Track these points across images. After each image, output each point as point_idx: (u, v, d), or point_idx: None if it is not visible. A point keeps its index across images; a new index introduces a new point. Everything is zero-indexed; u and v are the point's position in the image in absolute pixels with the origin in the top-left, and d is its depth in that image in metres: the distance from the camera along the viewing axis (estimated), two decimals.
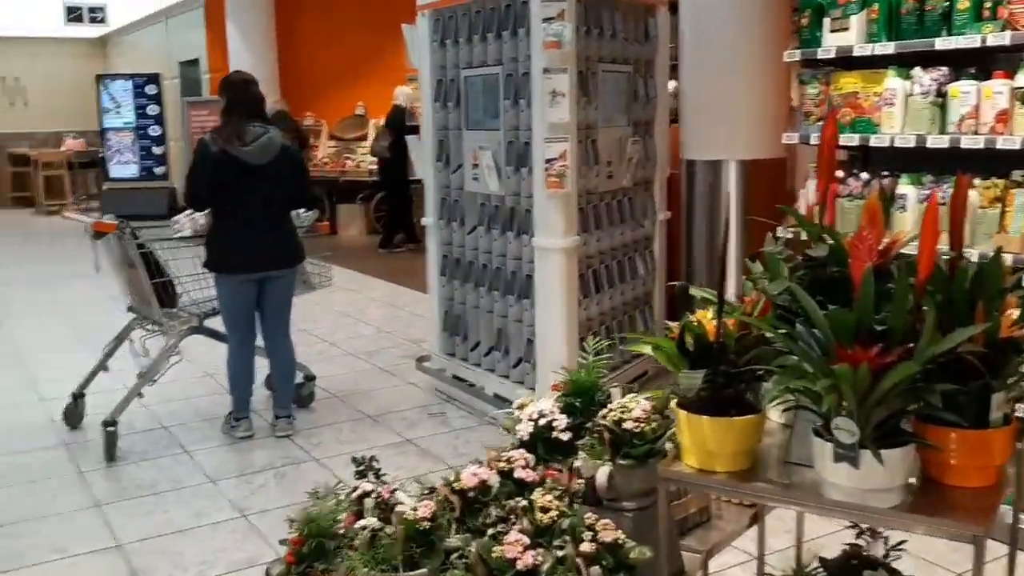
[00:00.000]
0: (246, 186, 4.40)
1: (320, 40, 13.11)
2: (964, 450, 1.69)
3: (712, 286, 2.02)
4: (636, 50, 4.93)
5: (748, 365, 1.79)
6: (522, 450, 2.26)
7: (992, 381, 1.68)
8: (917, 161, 3.73)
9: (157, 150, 15.08)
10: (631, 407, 2.42)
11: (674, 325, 1.90)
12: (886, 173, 3.80)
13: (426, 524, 2.06)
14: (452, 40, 4.86)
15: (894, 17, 3.64)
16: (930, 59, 3.56)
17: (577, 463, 2.14)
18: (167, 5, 15.33)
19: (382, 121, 11.28)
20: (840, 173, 3.96)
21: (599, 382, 2.45)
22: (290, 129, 11.28)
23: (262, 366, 4.84)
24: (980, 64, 3.49)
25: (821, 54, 3.88)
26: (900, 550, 2.23)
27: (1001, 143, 3.29)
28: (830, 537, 2.62)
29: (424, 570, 2.04)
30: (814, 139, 3.92)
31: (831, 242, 1.92)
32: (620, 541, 1.90)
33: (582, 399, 2.41)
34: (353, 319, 7.43)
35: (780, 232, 4.15)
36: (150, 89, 15.18)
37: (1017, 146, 3.26)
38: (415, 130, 11.15)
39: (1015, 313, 1.73)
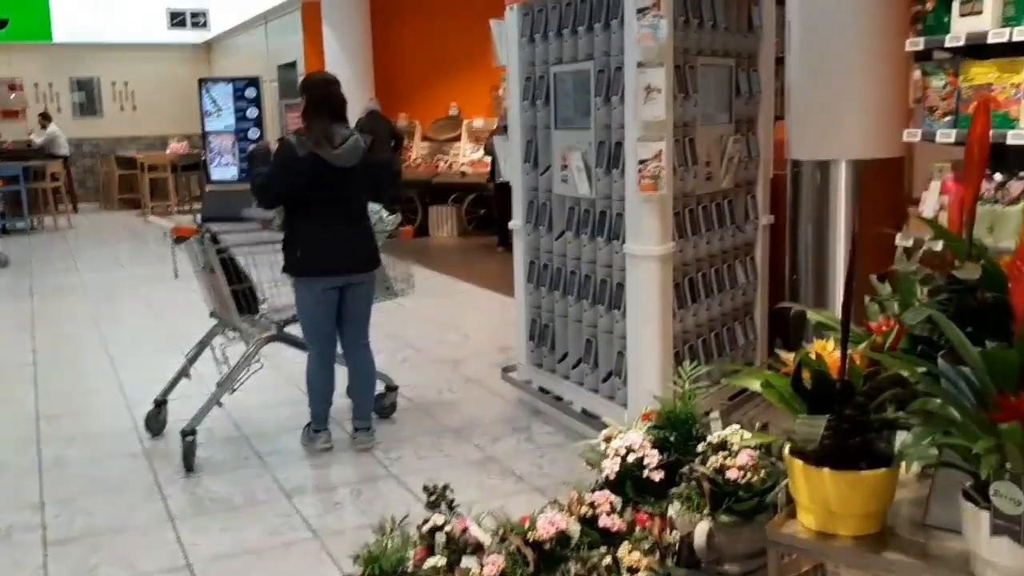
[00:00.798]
0: (332, 190, 4.25)
1: (415, 41, 13.05)
2: None
3: (826, 306, 1.71)
4: (738, 42, 4.58)
5: (880, 409, 1.48)
6: (607, 492, 1.99)
7: None
8: None
9: None
10: (733, 444, 2.13)
11: (787, 356, 1.60)
12: (1022, 174, 3.39)
13: None
14: (541, 35, 4.60)
15: None
16: None
17: (671, 513, 1.86)
18: (266, 9, 15.53)
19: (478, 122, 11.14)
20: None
21: (697, 414, 2.16)
22: (384, 129, 11.24)
23: (343, 374, 4.68)
24: None
25: (949, 41, 3.48)
26: None
27: None
28: None
29: None
30: (940, 137, 3.53)
31: (983, 262, 1.59)
32: None
33: (677, 432, 2.13)
34: (440, 325, 7.25)
35: (900, 241, 3.77)
36: (250, 92, 15.40)
37: None
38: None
39: None
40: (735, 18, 4.52)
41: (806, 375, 1.52)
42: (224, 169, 15.47)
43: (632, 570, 1.67)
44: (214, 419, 4.70)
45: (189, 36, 19.36)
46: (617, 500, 1.99)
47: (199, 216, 14.78)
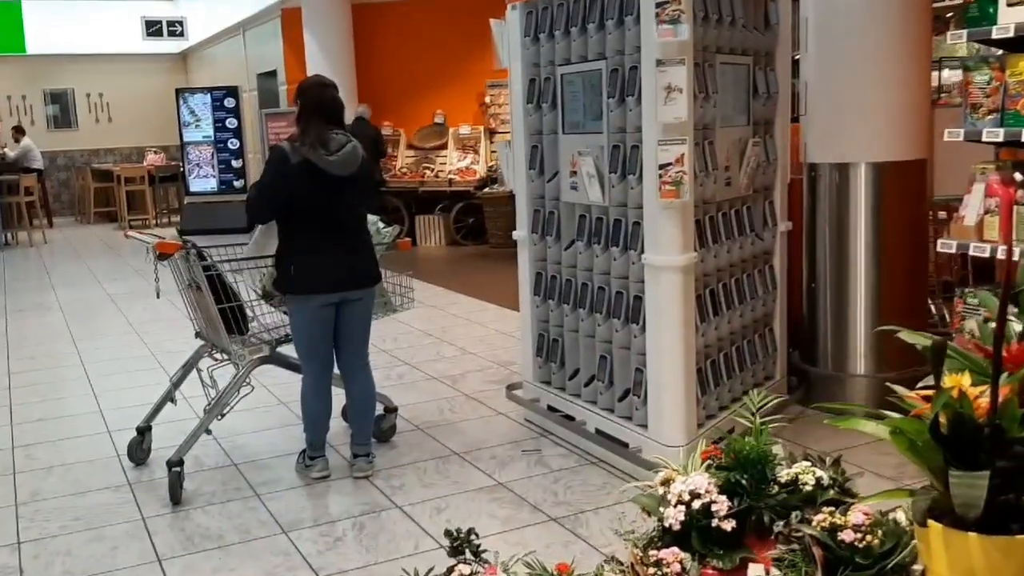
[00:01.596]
0: (328, 200, 3.96)
1: (398, 47, 12.76)
2: None
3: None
4: (756, 39, 4.34)
5: None
6: (675, 549, 1.71)
7: None
8: None
9: (236, 163, 15.00)
10: (806, 484, 1.87)
11: (916, 395, 1.33)
12: None
13: None
14: (547, 34, 4.34)
15: None
16: None
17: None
18: (245, 17, 15.20)
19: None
20: (1019, 176, 3.32)
21: (770, 451, 1.89)
22: (368, 136, 10.95)
23: (339, 395, 4.38)
24: None
25: (996, 33, 3.25)
26: None
27: None
28: None
29: None
30: (987, 136, 3.30)
31: None
32: None
33: (748, 474, 1.86)
34: (435, 339, 6.96)
35: (941, 248, 3.53)
36: (228, 102, 15.10)
37: None
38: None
39: None
40: (752, 14, 4.28)
41: (943, 420, 1.26)
42: (203, 181, 15.15)
43: None
44: (202, 446, 4.40)
45: (166, 46, 18.98)
46: (687, 556, 1.72)
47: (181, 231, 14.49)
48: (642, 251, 3.84)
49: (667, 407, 3.83)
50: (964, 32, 3.37)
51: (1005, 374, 1.38)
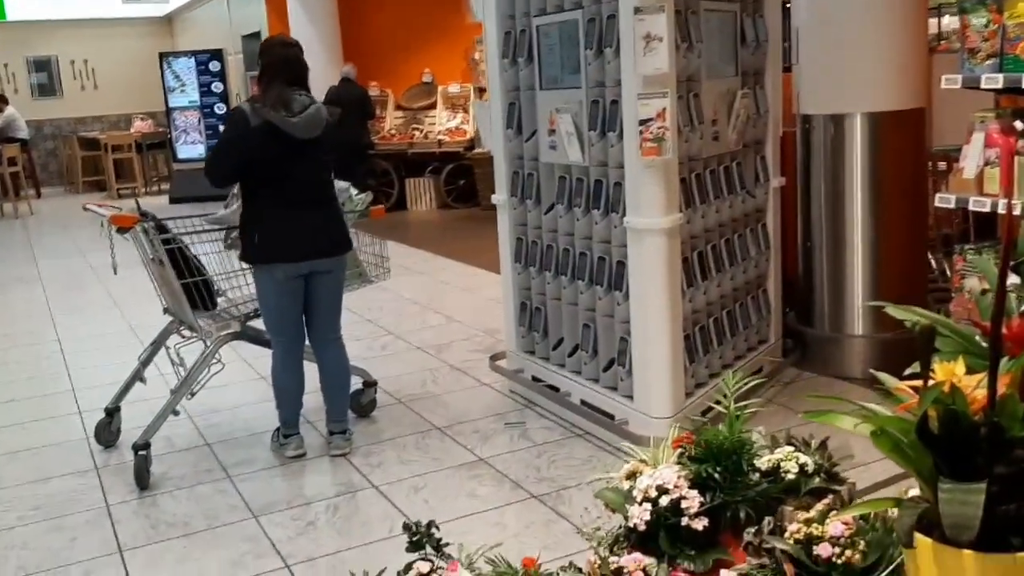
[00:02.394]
0: (291, 164, 3.75)
1: (384, 5, 12.42)
2: None
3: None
4: None
5: None
6: (638, 556, 1.52)
7: None
8: None
9: (223, 128, 14.69)
10: (788, 471, 1.70)
11: (905, 387, 1.14)
12: None
13: None
14: None
15: None
16: None
17: None
18: None
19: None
20: (1019, 124, 3.10)
21: (747, 440, 1.70)
22: (355, 96, 10.66)
23: (314, 370, 4.19)
24: None
25: None
26: None
27: None
28: None
29: None
30: (986, 82, 3.07)
31: None
32: None
33: (722, 466, 1.67)
34: (422, 306, 6.77)
35: (940, 203, 3.32)
36: (213, 66, 14.80)
37: None
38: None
39: None
40: None
41: (932, 415, 1.07)
42: (191, 147, 14.88)
43: None
44: (173, 426, 4.24)
45: (148, 9, 18.57)
46: (651, 562, 1.53)
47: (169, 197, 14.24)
48: (624, 213, 3.63)
49: (653, 377, 3.64)
50: None
51: (1005, 358, 1.18)
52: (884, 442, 1.10)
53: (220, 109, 14.72)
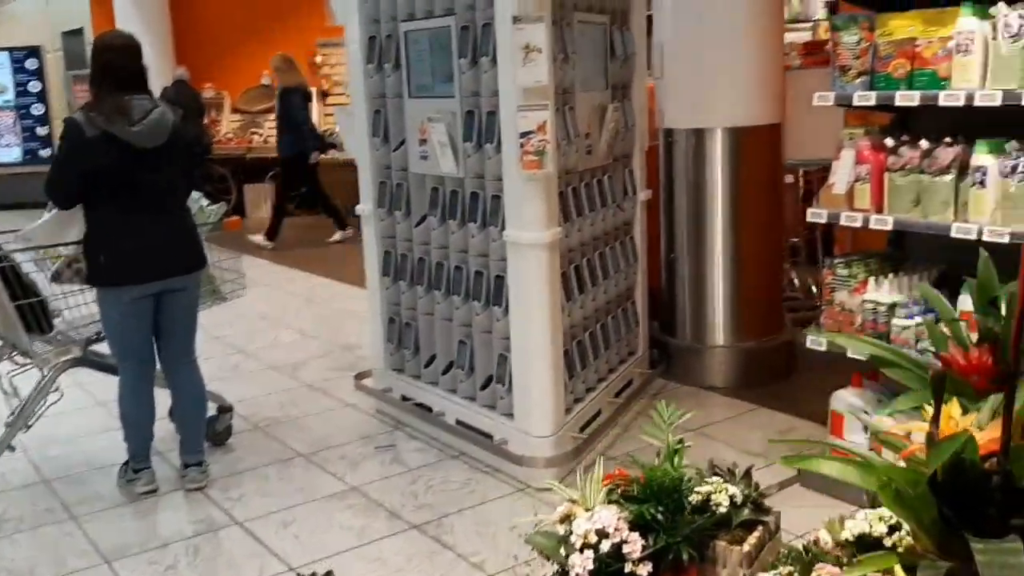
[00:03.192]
0: (135, 176, 3.43)
1: (219, 3, 11.85)
2: None
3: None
4: None
5: None
6: None
7: None
8: (975, 123, 2.99)
9: (41, 130, 13.74)
10: (719, 504, 1.63)
11: (903, 429, 1.07)
12: (949, 140, 3.05)
13: None
14: None
15: None
16: None
17: None
18: None
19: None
20: (889, 141, 3.20)
21: (685, 475, 1.62)
22: (192, 100, 10.15)
23: (164, 395, 3.86)
24: None
25: None
26: None
27: None
28: None
29: None
30: (858, 100, 3.14)
31: None
32: None
33: (664, 505, 1.58)
34: (271, 322, 6.44)
35: (812, 217, 3.39)
36: (30, 63, 13.79)
37: None
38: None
39: None
40: None
41: (935, 462, 1.00)
42: (6, 151, 13.79)
43: None
44: (6, 462, 3.82)
45: None
46: None
47: None
48: (503, 227, 3.52)
49: (534, 395, 3.55)
50: None
51: (992, 396, 1.13)
52: (887, 493, 1.03)
53: (38, 110, 13.72)
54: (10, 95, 13.78)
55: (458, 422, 3.93)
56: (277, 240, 9.32)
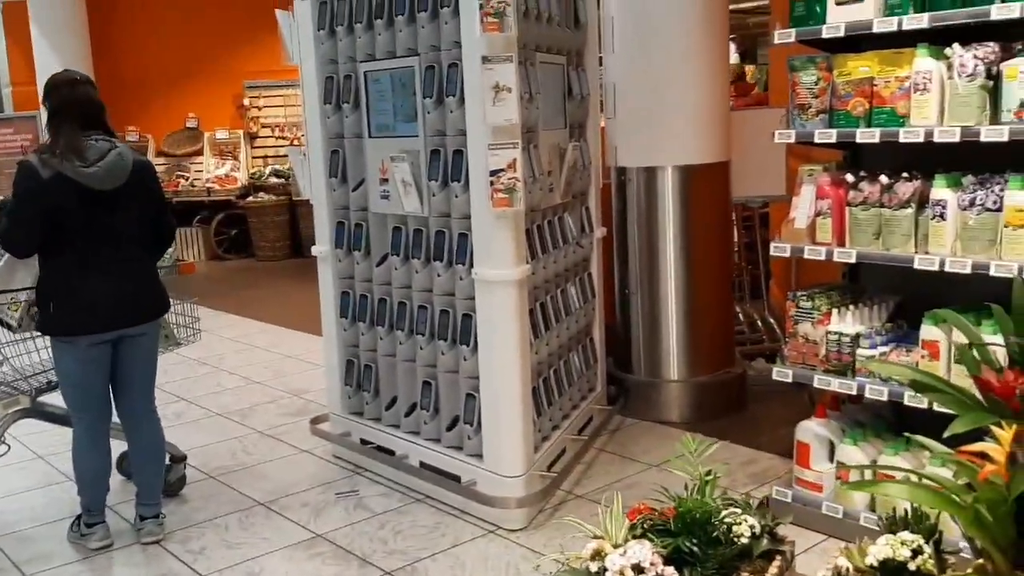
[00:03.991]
0: (91, 220, 3.32)
1: (143, 44, 11.63)
2: None
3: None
4: (569, 38, 4.15)
5: None
6: None
7: None
8: (926, 159, 3.11)
9: None
10: (741, 536, 1.64)
11: (967, 453, 1.09)
12: (907, 175, 3.16)
13: None
14: (345, 27, 3.90)
15: None
16: (968, 34, 2.93)
17: None
18: None
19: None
20: (849, 177, 3.30)
21: (718, 507, 1.62)
22: None
23: (115, 446, 3.71)
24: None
25: (826, 32, 3.19)
26: None
27: None
28: None
29: None
30: (819, 137, 3.24)
31: None
32: None
33: (697, 537, 1.57)
34: (212, 367, 6.28)
35: (775, 251, 3.47)
36: None
37: None
38: None
39: None
40: (565, 12, 4.07)
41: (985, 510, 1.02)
42: None
43: None
44: None
45: None
46: None
47: None
48: (471, 265, 3.51)
49: (504, 434, 3.52)
50: (792, 31, 3.30)
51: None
52: (966, 516, 1.05)
53: None
54: None
55: (422, 464, 3.87)
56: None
